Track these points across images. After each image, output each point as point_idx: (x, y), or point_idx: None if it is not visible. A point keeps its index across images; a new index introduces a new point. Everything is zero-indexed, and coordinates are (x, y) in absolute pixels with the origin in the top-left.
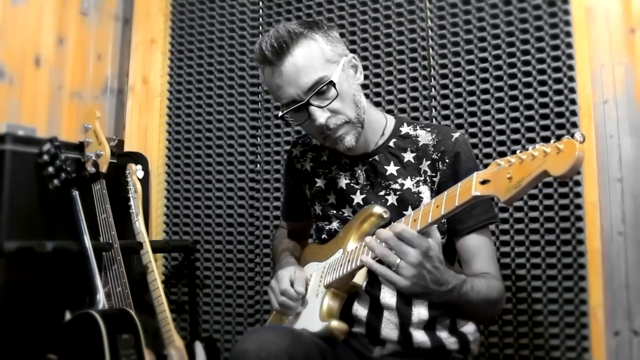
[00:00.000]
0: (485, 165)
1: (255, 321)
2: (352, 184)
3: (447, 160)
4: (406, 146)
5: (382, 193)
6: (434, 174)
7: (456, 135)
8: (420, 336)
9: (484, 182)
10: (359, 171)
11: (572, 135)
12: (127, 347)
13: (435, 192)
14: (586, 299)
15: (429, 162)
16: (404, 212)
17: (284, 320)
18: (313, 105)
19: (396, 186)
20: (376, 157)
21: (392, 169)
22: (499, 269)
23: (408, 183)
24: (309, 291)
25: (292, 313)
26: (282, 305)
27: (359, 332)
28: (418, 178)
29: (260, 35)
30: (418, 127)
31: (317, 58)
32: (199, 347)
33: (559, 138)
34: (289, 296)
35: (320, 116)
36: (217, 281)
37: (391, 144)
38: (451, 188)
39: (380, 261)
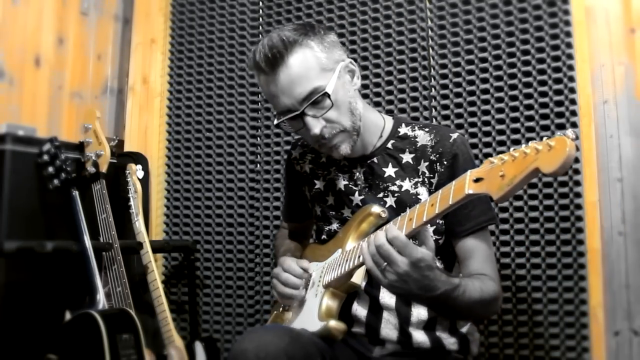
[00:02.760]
0: None
1: (256, 321)
2: (350, 186)
3: (445, 162)
4: (404, 147)
5: (380, 195)
6: (432, 176)
7: (454, 136)
8: (419, 336)
9: (477, 180)
10: (358, 173)
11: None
12: (127, 347)
13: (432, 193)
14: (586, 299)
15: (427, 164)
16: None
17: (284, 318)
18: (308, 116)
19: (394, 188)
20: (374, 159)
21: (390, 170)
22: (496, 270)
23: (406, 185)
24: (308, 290)
25: (295, 294)
26: (285, 283)
27: (358, 332)
28: (416, 179)
29: (260, 36)
30: (416, 128)
31: (312, 67)
32: (199, 347)
33: None
34: (292, 272)
35: (315, 126)
36: (217, 281)
37: (389, 145)
38: (446, 186)
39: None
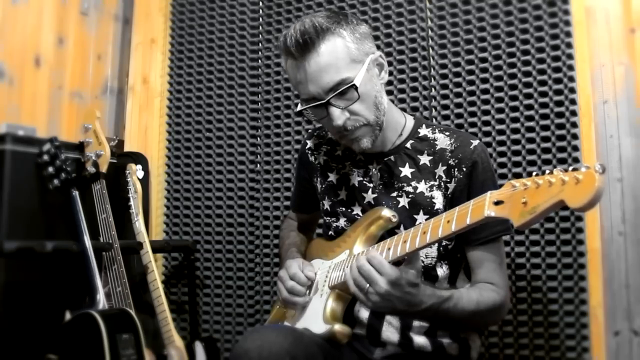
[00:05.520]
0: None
1: (256, 321)
2: (364, 182)
3: (464, 169)
4: (423, 149)
5: (394, 194)
6: (448, 180)
7: (475, 143)
8: (420, 340)
9: (497, 203)
10: (374, 170)
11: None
12: (127, 347)
13: (448, 199)
14: (586, 299)
15: (444, 168)
16: (415, 216)
17: (286, 316)
18: (333, 106)
19: (409, 189)
20: (391, 158)
21: (406, 170)
22: (506, 279)
23: (422, 187)
24: (313, 289)
25: (300, 302)
26: (290, 291)
27: (360, 333)
28: (432, 182)
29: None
30: (437, 130)
31: (341, 57)
32: (199, 347)
33: (559, 138)
34: (297, 280)
35: (339, 117)
36: (217, 281)
37: (408, 145)
38: (463, 205)
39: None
